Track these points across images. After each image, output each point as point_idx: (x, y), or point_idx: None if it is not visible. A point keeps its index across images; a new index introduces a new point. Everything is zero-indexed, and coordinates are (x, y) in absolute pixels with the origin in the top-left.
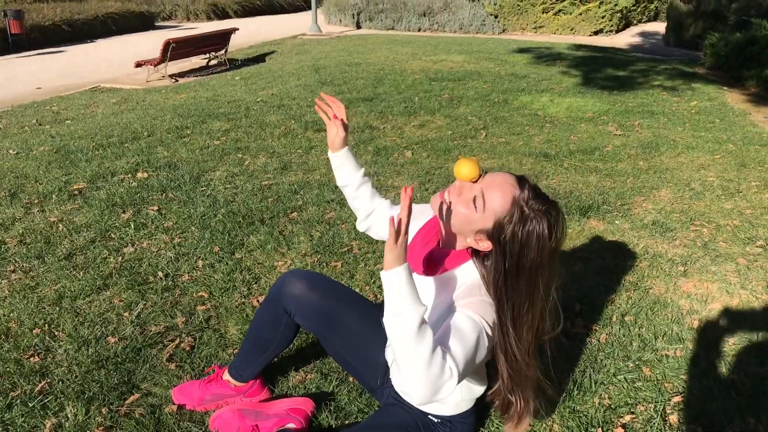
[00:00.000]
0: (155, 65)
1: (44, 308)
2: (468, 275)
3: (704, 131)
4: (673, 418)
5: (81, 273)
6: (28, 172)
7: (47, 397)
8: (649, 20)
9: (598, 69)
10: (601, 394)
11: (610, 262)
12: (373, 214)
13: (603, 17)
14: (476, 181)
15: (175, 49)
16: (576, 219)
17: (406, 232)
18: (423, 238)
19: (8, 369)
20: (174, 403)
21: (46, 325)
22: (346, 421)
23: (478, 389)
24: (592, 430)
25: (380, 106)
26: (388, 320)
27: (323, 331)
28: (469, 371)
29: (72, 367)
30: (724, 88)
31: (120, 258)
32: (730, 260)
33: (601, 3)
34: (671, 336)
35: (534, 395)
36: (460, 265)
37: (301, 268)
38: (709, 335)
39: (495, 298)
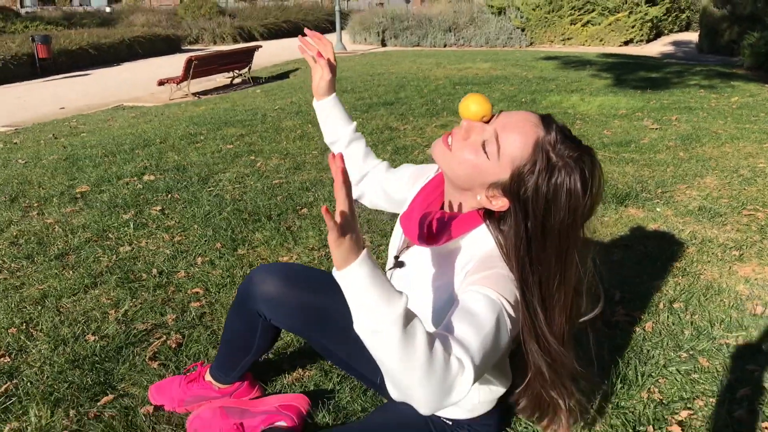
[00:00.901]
0: (178, 83)
1: (25, 307)
2: (480, 244)
3: (749, 123)
4: (742, 415)
5: (70, 272)
6: (33, 178)
7: (10, 400)
8: (680, 30)
9: (629, 71)
10: (650, 388)
11: (653, 248)
12: (366, 178)
13: (633, 27)
14: (488, 121)
15: (197, 66)
16: (613, 208)
17: (352, 214)
18: (423, 201)
19: None
20: (151, 404)
21: (24, 324)
22: (347, 421)
23: (499, 389)
24: (641, 429)
25: (401, 109)
26: (360, 334)
27: (311, 331)
28: (489, 363)
29: (43, 368)
30: (766, 85)
31: (114, 257)
32: None
33: (630, 13)
34: (730, 323)
35: (575, 391)
36: (470, 231)
37: (294, 262)
38: None
39: (517, 270)
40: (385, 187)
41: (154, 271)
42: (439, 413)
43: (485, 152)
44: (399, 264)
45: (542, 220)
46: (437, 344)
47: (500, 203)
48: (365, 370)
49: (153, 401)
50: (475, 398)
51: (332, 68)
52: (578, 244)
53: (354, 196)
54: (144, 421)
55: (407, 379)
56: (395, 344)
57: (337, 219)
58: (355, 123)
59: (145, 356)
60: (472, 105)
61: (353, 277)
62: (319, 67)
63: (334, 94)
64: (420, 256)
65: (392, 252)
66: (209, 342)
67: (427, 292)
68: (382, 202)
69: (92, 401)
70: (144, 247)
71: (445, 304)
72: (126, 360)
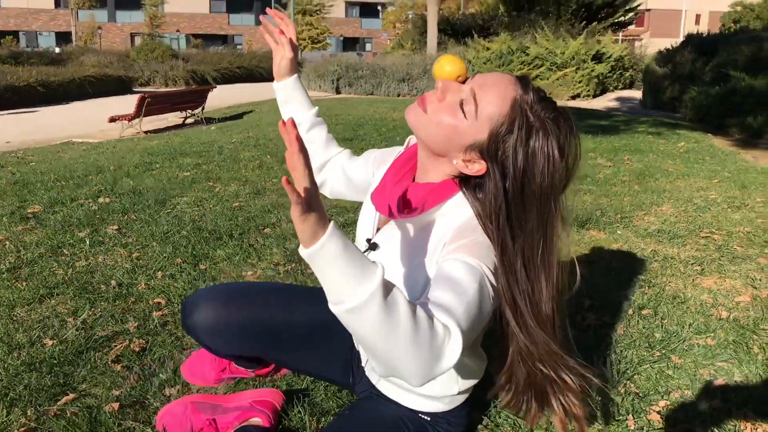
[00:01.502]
0: (129, 120)
1: None
2: (457, 212)
3: (697, 164)
4: (717, 403)
5: (24, 284)
6: None
7: None
8: (624, 87)
9: (580, 119)
10: (626, 384)
11: (618, 264)
12: (328, 165)
13: (580, 82)
14: (463, 82)
15: (150, 104)
16: (575, 230)
17: (314, 186)
18: (394, 175)
19: None
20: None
21: None
22: (323, 419)
23: (476, 373)
24: (621, 418)
25: (360, 144)
26: (337, 313)
27: (263, 349)
28: (476, 331)
29: None
30: (709, 134)
31: (71, 270)
32: (750, 260)
33: (577, 68)
34: (698, 326)
35: (571, 382)
36: (446, 200)
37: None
38: (742, 323)
39: (497, 236)
40: (348, 173)
41: (113, 282)
42: (415, 407)
43: (463, 112)
44: (372, 246)
45: (521, 182)
46: (419, 312)
47: (477, 167)
48: (334, 374)
49: (188, 380)
50: (455, 389)
51: (294, 48)
52: (560, 214)
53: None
54: (109, 418)
55: (392, 353)
56: (377, 318)
57: (301, 192)
58: (317, 108)
59: (107, 359)
60: (447, 65)
61: (324, 252)
62: (281, 46)
63: (296, 75)
64: (394, 235)
65: (362, 235)
66: (174, 347)
67: (406, 271)
68: (344, 189)
69: (52, 401)
70: (101, 262)
71: (426, 281)
72: (87, 363)
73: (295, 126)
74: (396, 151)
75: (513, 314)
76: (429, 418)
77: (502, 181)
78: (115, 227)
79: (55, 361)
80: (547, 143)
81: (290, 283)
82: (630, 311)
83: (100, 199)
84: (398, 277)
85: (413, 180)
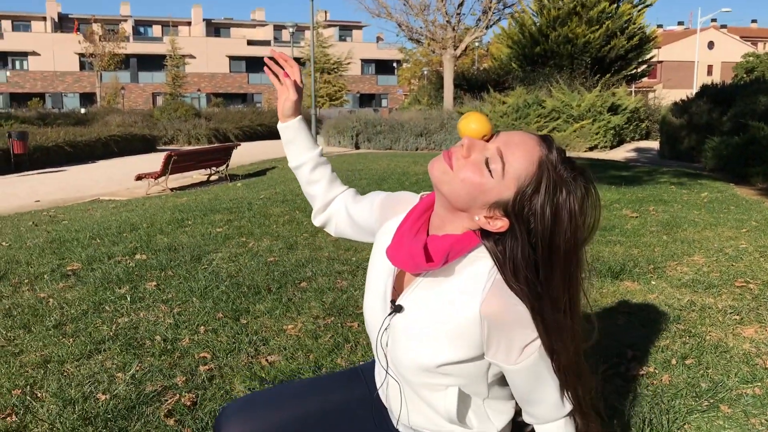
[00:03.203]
0: (156, 177)
1: (27, 371)
2: (480, 265)
3: (722, 213)
4: None
5: (70, 340)
6: (20, 258)
7: None
8: (641, 138)
9: (601, 171)
10: None
11: (655, 315)
12: (333, 203)
13: (597, 133)
14: (489, 139)
15: (176, 162)
16: (609, 281)
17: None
18: (410, 229)
19: None
20: None
21: (28, 386)
22: None
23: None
24: None
25: None
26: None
27: None
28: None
29: (55, 425)
30: (731, 184)
31: (114, 326)
32: None
33: (594, 120)
34: (744, 376)
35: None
36: (471, 250)
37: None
38: None
39: (527, 291)
40: (352, 214)
41: (158, 338)
42: None
43: (489, 170)
44: (397, 309)
45: (549, 240)
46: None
47: (500, 224)
48: None
49: None
50: (499, 425)
51: (298, 90)
52: (582, 267)
53: (318, 224)
54: None
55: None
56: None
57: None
58: (320, 147)
59: (160, 414)
60: (473, 123)
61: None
62: (286, 88)
63: (300, 117)
64: (419, 294)
65: (376, 294)
66: (224, 400)
67: (432, 330)
68: (348, 229)
69: None
70: (143, 317)
71: (452, 335)
72: (141, 417)
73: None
74: (404, 197)
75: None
76: None
77: (528, 239)
78: (154, 283)
79: (109, 416)
80: (570, 201)
81: (308, 378)
82: (673, 361)
83: (137, 256)
84: (424, 336)
85: (428, 234)
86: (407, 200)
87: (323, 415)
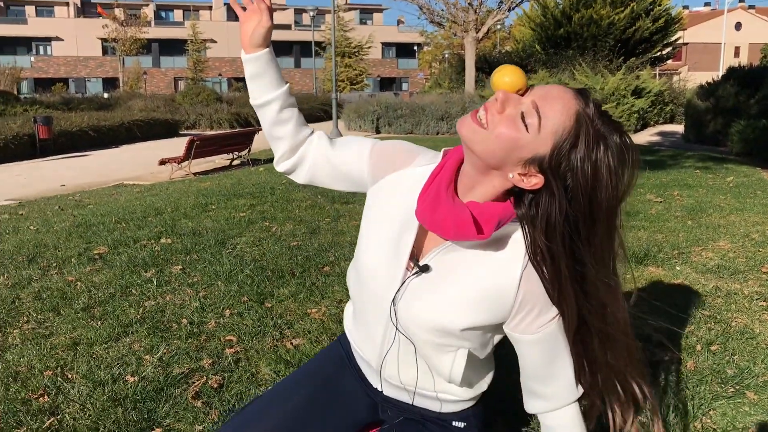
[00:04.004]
0: (179, 162)
1: (57, 353)
2: (513, 233)
3: (749, 198)
4: None
5: (99, 323)
6: (48, 242)
7: None
8: (665, 122)
9: None
10: (702, 419)
11: (680, 300)
12: (303, 146)
13: (621, 117)
14: (523, 93)
15: (199, 147)
16: (633, 266)
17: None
18: (447, 190)
19: (13, 408)
20: None
21: (59, 368)
22: None
23: (490, 376)
24: None
25: None
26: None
27: None
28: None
29: (85, 405)
30: (758, 168)
31: (141, 309)
32: None
33: (618, 104)
34: None
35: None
36: (510, 221)
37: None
38: None
39: (565, 251)
40: (333, 159)
41: (184, 321)
42: (447, 411)
43: (525, 125)
44: (424, 268)
45: (589, 195)
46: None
47: (534, 180)
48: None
49: None
50: (485, 386)
51: (270, 14)
52: (621, 227)
53: (283, 169)
54: None
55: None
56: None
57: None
58: (288, 84)
59: (188, 396)
60: (507, 75)
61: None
62: (258, 11)
63: (269, 48)
64: (446, 256)
65: (389, 259)
66: (251, 383)
67: (462, 291)
68: (325, 177)
69: None
70: (169, 301)
71: (479, 301)
72: (169, 399)
73: None
74: (401, 151)
75: (599, 322)
76: (463, 426)
77: (565, 197)
78: (180, 267)
79: (138, 397)
80: (609, 155)
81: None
82: (698, 347)
83: (162, 240)
84: (450, 299)
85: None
86: (407, 154)
87: (311, 401)
